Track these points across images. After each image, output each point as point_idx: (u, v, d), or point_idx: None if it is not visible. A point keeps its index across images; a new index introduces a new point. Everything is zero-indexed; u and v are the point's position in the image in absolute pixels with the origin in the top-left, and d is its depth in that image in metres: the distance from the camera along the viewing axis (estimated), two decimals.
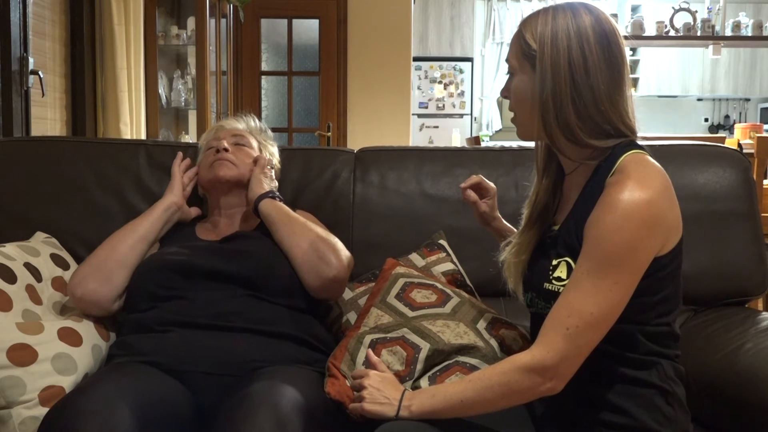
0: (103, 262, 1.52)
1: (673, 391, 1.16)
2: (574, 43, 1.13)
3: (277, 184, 1.71)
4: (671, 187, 1.14)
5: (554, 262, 1.20)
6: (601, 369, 1.15)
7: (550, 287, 1.19)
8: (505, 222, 1.53)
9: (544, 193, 1.29)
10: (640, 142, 1.20)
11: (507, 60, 1.23)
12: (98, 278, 1.50)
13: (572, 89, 1.13)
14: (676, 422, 1.15)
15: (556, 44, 1.13)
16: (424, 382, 1.38)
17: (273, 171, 1.71)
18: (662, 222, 1.10)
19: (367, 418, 1.21)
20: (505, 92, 1.24)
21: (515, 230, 1.47)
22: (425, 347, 1.40)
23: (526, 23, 1.19)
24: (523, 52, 1.18)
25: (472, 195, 1.50)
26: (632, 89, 1.18)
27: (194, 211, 1.75)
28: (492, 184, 1.51)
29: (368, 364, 1.38)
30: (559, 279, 1.18)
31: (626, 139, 1.17)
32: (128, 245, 1.55)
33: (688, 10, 6.12)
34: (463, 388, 1.14)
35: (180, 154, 1.77)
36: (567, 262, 1.18)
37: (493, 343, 1.44)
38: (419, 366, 1.39)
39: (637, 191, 1.08)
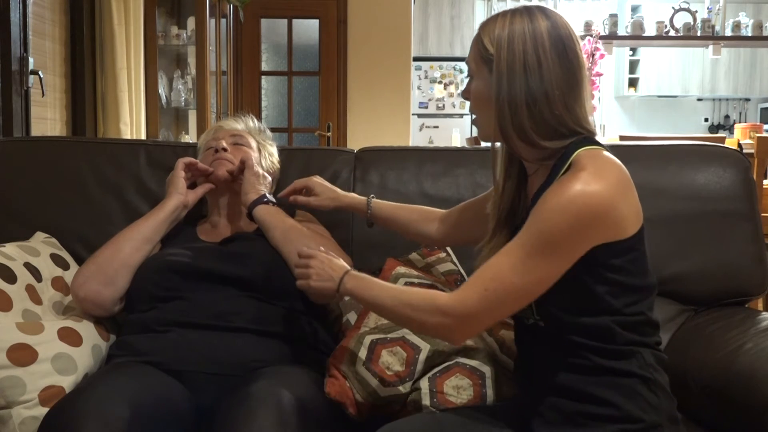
0: (108, 264, 1.51)
1: (654, 378, 1.17)
2: (530, 48, 1.15)
3: (270, 179, 1.69)
4: (627, 180, 1.16)
5: None
6: (582, 361, 1.16)
7: None
8: (352, 195, 1.60)
9: (508, 196, 1.29)
10: (600, 141, 1.22)
11: (467, 62, 1.25)
12: (102, 280, 1.49)
13: (527, 93, 1.15)
14: (661, 409, 1.16)
15: (512, 48, 1.15)
16: (424, 383, 1.38)
17: (266, 171, 1.70)
18: (609, 214, 1.11)
19: (361, 410, 1.21)
20: (466, 94, 1.26)
21: (366, 198, 1.56)
22: (425, 348, 1.40)
23: (485, 27, 1.21)
24: (481, 55, 1.20)
25: (299, 199, 1.60)
26: (592, 93, 1.20)
27: (201, 191, 1.66)
28: (310, 179, 1.61)
29: (369, 365, 1.38)
30: None
31: (580, 137, 1.19)
32: (133, 247, 1.54)
33: (688, 10, 6.13)
34: (386, 294, 1.23)
35: (185, 160, 1.68)
36: None
37: (493, 344, 1.44)
38: (419, 367, 1.39)
39: (589, 183, 1.10)
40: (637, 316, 1.17)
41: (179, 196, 1.62)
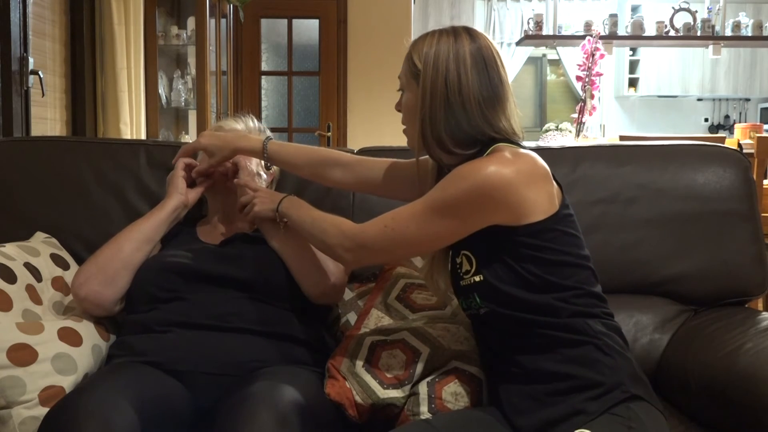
0: (108, 264, 1.50)
1: (605, 342, 1.22)
2: (452, 66, 1.25)
3: (265, 176, 1.69)
4: (540, 173, 1.24)
5: (458, 261, 1.29)
6: (537, 340, 1.23)
7: (464, 283, 1.28)
8: (249, 138, 1.56)
9: None
10: (524, 145, 1.31)
11: (399, 77, 1.35)
12: (102, 280, 1.49)
13: (446, 106, 1.25)
14: (619, 369, 1.20)
15: (437, 65, 1.26)
16: (422, 387, 1.38)
17: (266, 173, 1.70)
18: (508, 197, 1.19)
19: (360, 412, 1.22)
20: (398, 106, 1.36)
21: (263, 141, 1.53)
22: (425, 351, 1.40)
23: (415, 44, 1.31)
24: (411, 71, 1.30)
25: (200, 170, 1.60)
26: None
27: (200, 189, 1.64)
28: (198, 142, 1.58)
29: (369, 366, 1.39)
30: (467, 272, 1.27)
31: (500, 140, 1.27)
32: (134, 247, 1.53)
33: (688, 10, 6.13)
34: (307, 215, 1.40)
35: (185, 160, 1.65)
36: (465, 255, 1.27)
37: None
38: (418, 370, 1.39)
39: (497, 165, 1.20)
40: (576, 290, 1.24)
41: (179, 196, 1.61)
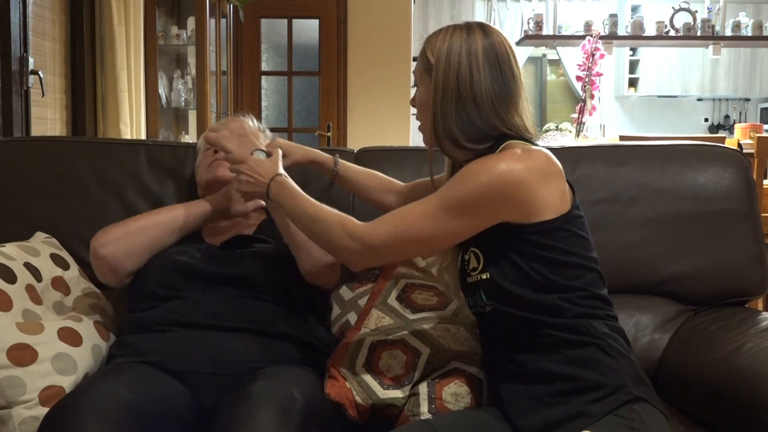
0: (136, 237, 1.52)
1: (609, 343, 1.22)
2: (464, 61, 1.25)
3: (263, 139, 1.70)
4: (552, 171, 1.24)
5: (466, 258, 1.30)
6: (540, 339, 1.23)
7: (470, 280, 1.29)
8: (319, 152, 1.58)
9: None
10: (537, 143, 1.30)
11: (413, 73, 1.36)
12: (125, 248, 1.50)
13: (457, 101, 1.25)
14: (621, 370, 1.21)
15: (449, 60, 1.26)
16: (423, 388, 1.38)
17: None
18: (521, 193, 1.19)
19: (360, 412, 1.25)
20: (413, 101, 1.36)
21: (333, 157, 1.57)
22: (425, 352, 1.40)
23: (429, 40, 1.31)
24: (424, 66, 1.30)
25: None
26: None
27: (252, 205, 1.66)
28: (277, 143, 1.51)
29: (369, 367, 1.38)
30: (474, 270, 1.27)
31: (513, 136, 1.27)
32: (164, 232, 1.55)
33: (688, 10, 6.13)
34: (307, 208, 1.31)
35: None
36: (474, 252, 1.28)
37: None
38: (418, 371, 1.39)
39: (509, 161, 1.20)
40: (581, 291, 1.24)
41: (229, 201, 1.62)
